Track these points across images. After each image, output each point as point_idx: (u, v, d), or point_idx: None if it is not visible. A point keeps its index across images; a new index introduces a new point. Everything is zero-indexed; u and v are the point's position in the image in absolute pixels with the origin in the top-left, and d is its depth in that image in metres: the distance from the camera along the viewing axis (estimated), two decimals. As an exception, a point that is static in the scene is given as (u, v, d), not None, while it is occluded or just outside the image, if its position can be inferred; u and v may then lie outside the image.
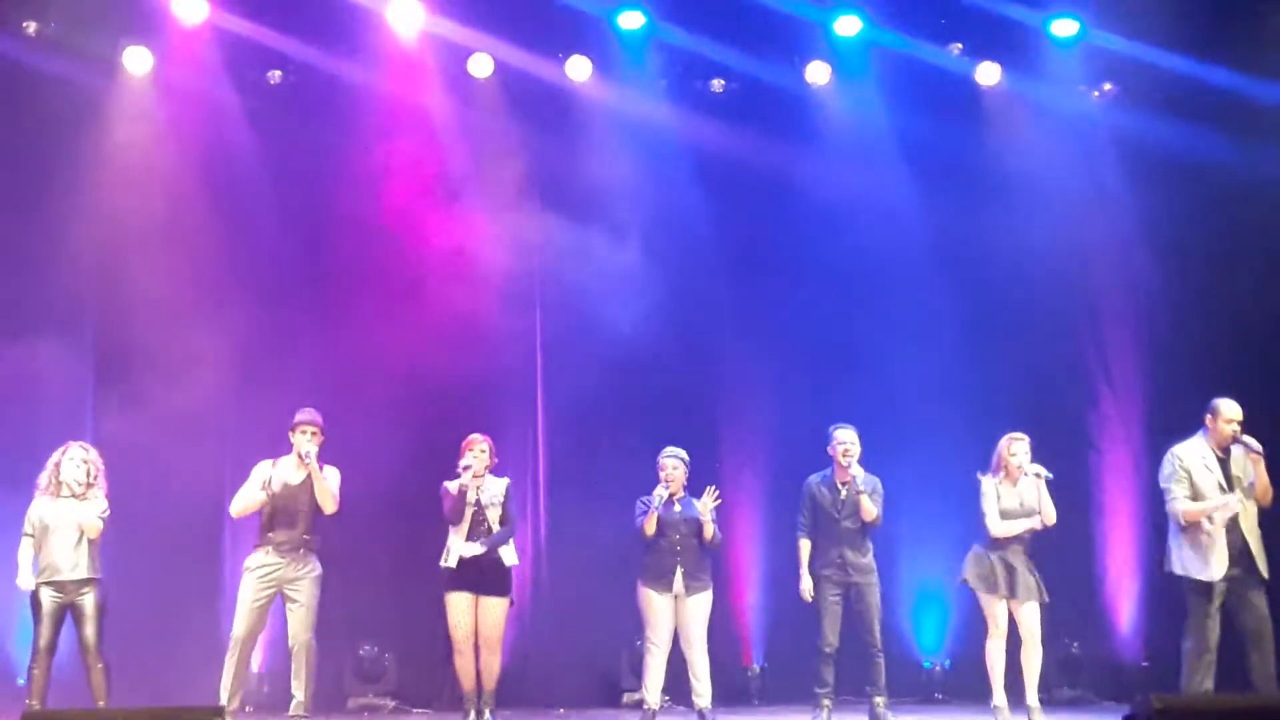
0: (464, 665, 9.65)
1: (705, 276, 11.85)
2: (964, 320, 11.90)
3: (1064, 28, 12.08)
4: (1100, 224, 12.12)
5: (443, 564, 9.58)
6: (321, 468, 9.55)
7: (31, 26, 11.31)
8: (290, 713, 9.60)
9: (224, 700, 9.23)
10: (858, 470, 9.84)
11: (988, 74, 12.34)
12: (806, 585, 9.97)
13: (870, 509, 9.83)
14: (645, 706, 9.89)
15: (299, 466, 9.52)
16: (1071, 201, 11.99)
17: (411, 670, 11.65)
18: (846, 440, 9.93)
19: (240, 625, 9.43)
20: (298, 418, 9.55)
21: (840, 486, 9.93)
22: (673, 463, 9.86)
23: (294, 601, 9.46)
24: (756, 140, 12.07)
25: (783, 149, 12.14)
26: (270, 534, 9.48)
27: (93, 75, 11.56)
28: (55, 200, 11.34)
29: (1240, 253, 11.64)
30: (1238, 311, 11.62)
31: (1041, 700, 11.36)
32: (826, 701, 9.95)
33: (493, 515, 9.63)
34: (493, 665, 9.65)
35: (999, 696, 9.81)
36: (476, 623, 9.57)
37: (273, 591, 9.48)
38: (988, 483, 9.85)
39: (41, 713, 8.09)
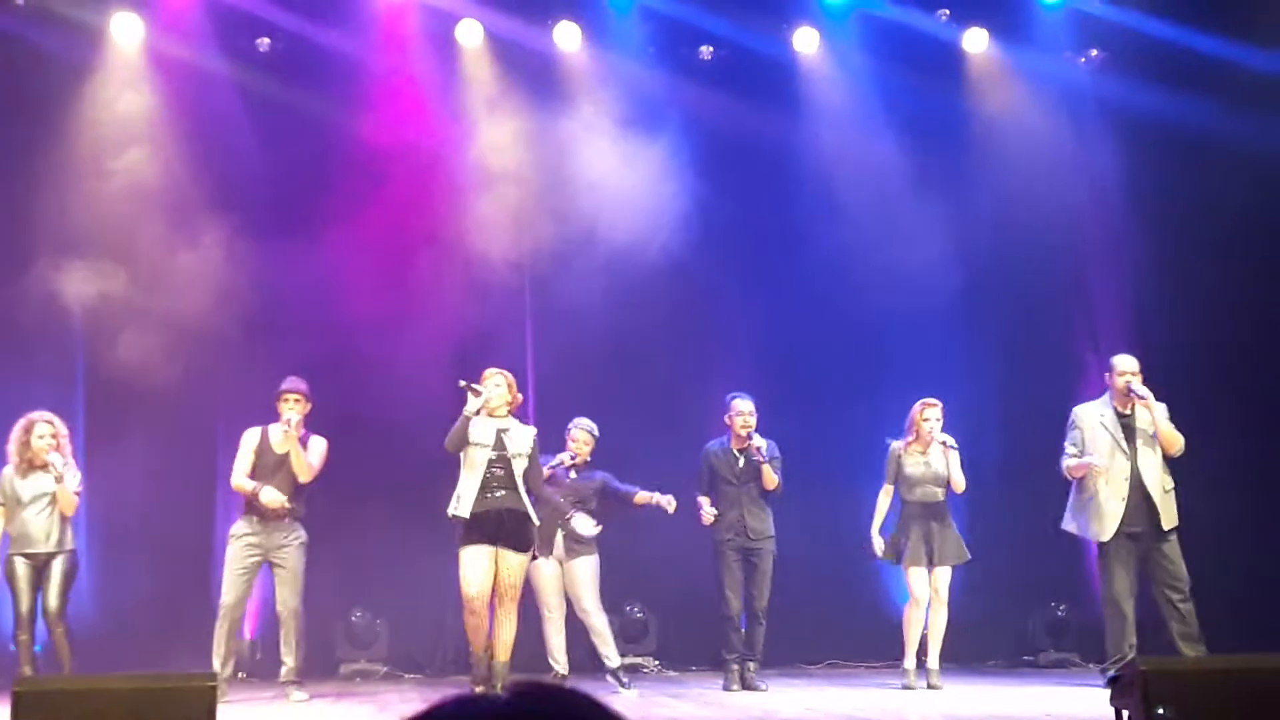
0: (475, 624, 9.01)
1: (692, 243, 11.86)
2: (950, 286, 11.92)
3: (1050, -7, 12.15)
4: (1086, 190, 12.17)
5: (451, 512, 8.94)
6: (308, 436, 9.64)
7: (21, -4, 11.32)
8: (281, 679, 9.69)
9: (216, 668, 9.31)
10: (760, 441, 9.95)
11: (975, 40, 12.37)
12: (708, 510, 10.06)
13: (772, 478, 9.99)
14: (554, 674, 9.91)
15: (284, 435, 9.60)
16: (1058, 167, 12.02)
17: (404, 636, 11.70)
18: (745, 411, 10.07)
19: (229, 593, 9.53)
20: (283, 386, 9.67)
21: (738, 454, 10.06)
22: (584, 436, 10.06)
23: (281, 569, 9.57)
24: (744, 107, 12.09)
25: (771, 116, 12.17)
26: (255, 501, 9.56)
27: (82, 44, 11.56)
28: (45, 169, 11.33)
29: (1226, 219, 11.69)
30: (1223, 278, 11.67)
31: (1028, 662, 11.53)
32: (735, 666, 10.08)
33: (518, 467, 8.98)
34: (506, 629, 9.03)
35: (909, 660, 9.95)
36: (496, 578, 8.93)
37: (258, 558, 9.57)
38: (892, 449, 9.95)
39: (35, 679, 8.14)
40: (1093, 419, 9.59)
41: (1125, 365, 9.56)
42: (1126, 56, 12.14)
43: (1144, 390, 9.43)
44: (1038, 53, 12.31)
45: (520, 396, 9.25)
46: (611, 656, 9.98)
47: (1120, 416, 9.54)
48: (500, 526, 8.88)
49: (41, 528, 9.46)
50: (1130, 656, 9.30)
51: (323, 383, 10.80)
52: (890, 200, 11.91)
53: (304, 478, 9.60)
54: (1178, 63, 11.76)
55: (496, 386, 9.05)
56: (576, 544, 9.93)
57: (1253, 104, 11.53)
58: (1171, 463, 9.66)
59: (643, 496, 10.07)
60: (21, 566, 9.46)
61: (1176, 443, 9.50)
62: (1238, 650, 7.23)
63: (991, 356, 11.82)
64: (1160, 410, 9.50)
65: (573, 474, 10.08)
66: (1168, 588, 9.42)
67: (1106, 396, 9.68)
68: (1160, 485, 9.48)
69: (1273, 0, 11.64)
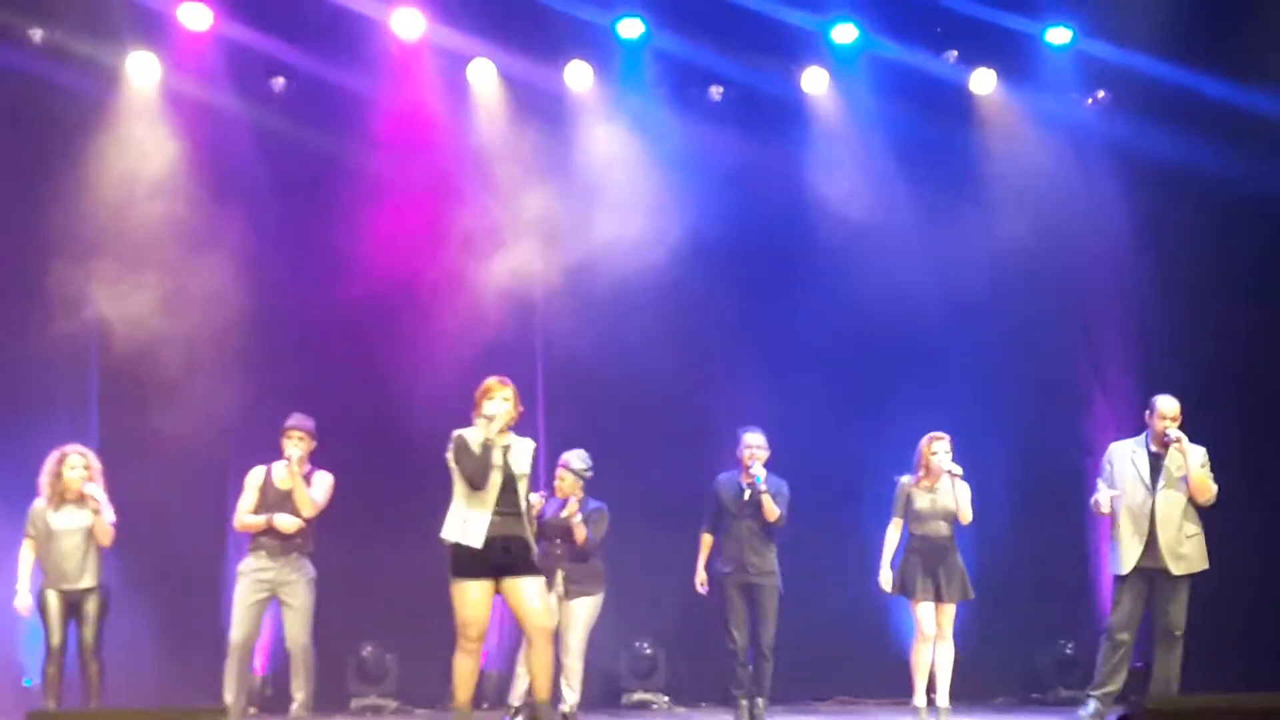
0: (470, 668, 8.13)
1: (702, 281, 11.94)
2: (958, 325, 11.97)
3: (1058, 36, 12.20)
4: (1093, 230, 12.21)
5: (456, 539, 8.05)
6: (313, 472, 9.67)
7: (38, 34, 11.39)
8: (291, 714, 9.70)
9: (228, 702, 9.34)
10: (760, 470, 9.98)
11: (983, 81, 12.45)
12: (701, 577, 10.15)
13: (772, 509, 9.98)
14: (562, 704, 9.92)
15: (286, 470, 9.63)
16: (1065, 208, 12.08)
17: (414, 670, 11.69)
18: (753, 444, 10.12)
19: (237, 630, 9.52)
20: (287, 423, 9.66)
21: (745, 487, 10.09)
22: (567, 474, 10.08)
23: (289, 606, 9.55)
24: (754, 147, 12.15)
25: (780, 156, 12.23)
26: (261, 537, 9.58)
27: (98, 82, 11.65)
28: (60, 207, 11.41)
29: (1231, 259, 11.74)
30: (1228, 317, 11.71)
31: (1036, 700, 11.52)
32: (743, 703, 10.10)
33: (522, 488, 8.14)
34: (548, 663, 8.18)
35: (919, 697, 9.93)
36: (521, 612, 8.09)
37: (266, 596, 9.56)
38: (902, 484, 9.98)
39: (48, 712, 8.17)
40: (1124, 456, 9.60)
41: (1166, 409, 9.53)
42: (1134, 98, 12.19)
43: (1178, 433, 9.43)
44: (1045, 94, 12.38)
45: (523, 408, 8.34)
46: (571, 700, 9.90)
47: (1151, 455, 9.56)
48: (508, 555, 8.03)
49: (75, 564, 9.52)
50: (1116, 690, 9.38)
51: (333, 416, 10.84)
52: (898, 239, 11.96)
53: (306, 512, 9.57)
54: (1185, 105, 11.80)
55: (505, 401, 8.15)
56: (577, 584, 9.97)
57: (1260, 146, 11.58)
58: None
59: (579, 533, 10.00)
60: (55, 600, 9.51)
61: (1207, 491, 9.46)
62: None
63: (999, 393, 11.84)
64: (1196, 456, 9.46)
65: (577, 518, 10.01)
66: (1163, 630, 9.46)
67: (1144, 435, 9.66)
68: (1178, 529, 9.45)
69: (1279, 43, 11.70)
